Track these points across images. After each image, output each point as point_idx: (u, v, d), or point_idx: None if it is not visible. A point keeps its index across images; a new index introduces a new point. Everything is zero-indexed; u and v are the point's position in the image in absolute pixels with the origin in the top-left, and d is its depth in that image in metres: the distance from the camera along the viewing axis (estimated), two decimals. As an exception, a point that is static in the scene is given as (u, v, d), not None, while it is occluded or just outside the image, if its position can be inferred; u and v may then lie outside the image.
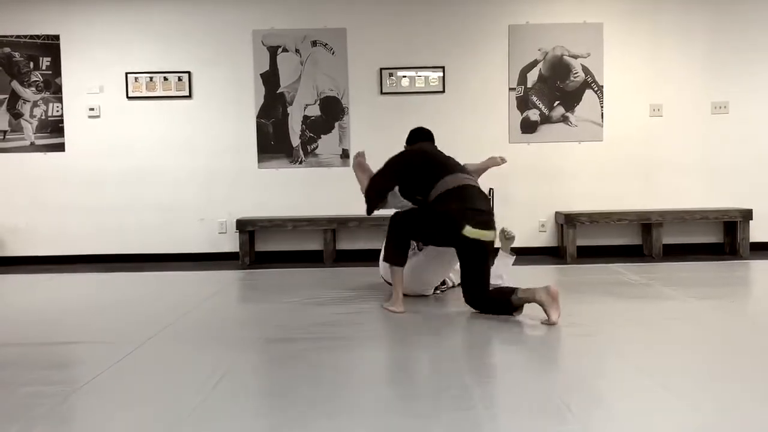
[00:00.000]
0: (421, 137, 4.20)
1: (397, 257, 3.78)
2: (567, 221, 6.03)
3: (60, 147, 6.32)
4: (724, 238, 6.29)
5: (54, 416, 2.26)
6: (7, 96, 6.30)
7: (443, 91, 6.24)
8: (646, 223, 6.13)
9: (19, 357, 2.97)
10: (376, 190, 3.92)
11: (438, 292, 4.22)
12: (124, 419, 2.23)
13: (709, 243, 6.30)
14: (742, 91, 6.24)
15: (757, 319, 3.58)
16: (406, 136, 4.33)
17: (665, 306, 3.82)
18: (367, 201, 3.96)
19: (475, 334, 3.30)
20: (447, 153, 6.37)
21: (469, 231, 3.50)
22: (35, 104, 6.31)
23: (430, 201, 3.70)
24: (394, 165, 3.93)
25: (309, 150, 6.29)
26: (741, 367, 2.66)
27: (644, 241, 6.26)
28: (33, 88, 6.30)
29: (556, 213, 6.30)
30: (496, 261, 4.06)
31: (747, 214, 6.03)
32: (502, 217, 6.27)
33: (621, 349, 2.91)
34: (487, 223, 3.62)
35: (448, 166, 3.85)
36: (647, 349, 2.91)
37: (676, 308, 3.75)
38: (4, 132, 6.32)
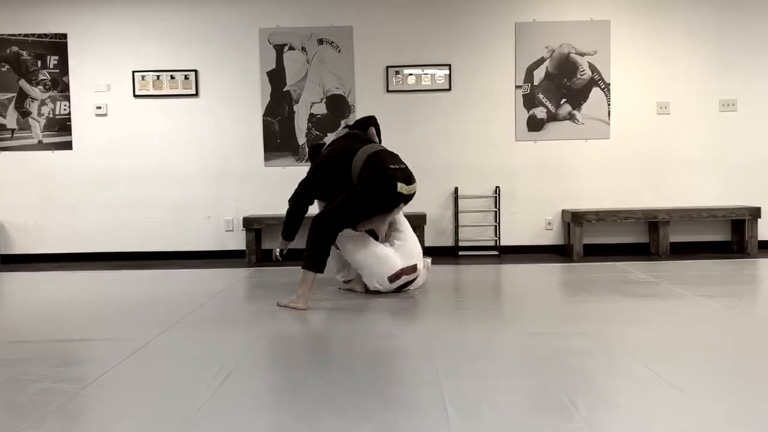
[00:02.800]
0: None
1: (317, 263, 3.73)
2: (574, 219, 6.02)
3: (67, 145, 6.35)
4: (732, 237, 6.27)
5: (64, 413, 2.27)
6: (15, 94, 6.33)
7: (449, 89, 6.24)
8: (653, 221, 6.11)
9: (29, 354, 2.98)
10: (297, 209, 3.95)
11: (409, 288, 4.09)
12: (133, 416, 2.24)
13: (716, 241, 6.29)
14: (750, 89, 6.21)
15: (767, 318, 3.56)
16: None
17: (674, 304, 3.81)
18: (288, 223, 3.97)
19: (479, 331, 3.30)
20: (453, 150, 6.40)
21: (402, 188, 3.74)
22: (43, 103, 6.34)
23: (353, 178, 3.77)
24: (310, 181, 3.97)
25: (315, 148, 6.29)
26: (750, 366, 2.65)
27: (651, 239, 6.24)
28: (41, 87, 6.33)
29: (563, 211, 6.28)
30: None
31: (755, 213, 6.01)
32: (508, 215, 6.29)
33: (629, 348, 2.90)
34: (410, 177, 3.85)
35: (358, 141, 3.94)
36: (656, 348, 2.90)
37: (685, 307, 3.74)
38: (12, 130, 6.35)
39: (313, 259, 3.73)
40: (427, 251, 5.79)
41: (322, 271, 3.76)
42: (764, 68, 6.22)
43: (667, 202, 6.25)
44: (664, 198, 6.27)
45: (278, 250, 4.10)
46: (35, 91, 6.35)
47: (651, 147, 6.27)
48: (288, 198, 3.99)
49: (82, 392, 2.45)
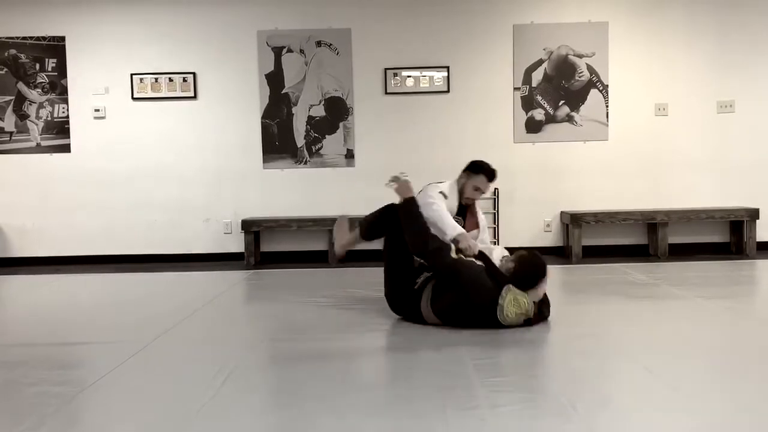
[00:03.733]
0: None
1: (370, 233, 3.62)
2: (572, 221, 6.02)
3: (66, 148, 6.35)
4: (730, 238, 6.27)
5: (61, 416, 2.26)
6: (14, 97, 6.33)
7: (448, 91, 6.24)
8: (652, 223, 6.12)
9: (27, 357, 2.98)
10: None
11: None
12: (132, 418, 2.24)
13: (715, 242, 6.29)
14: (748, 90, 6.22)
15: (765, 319, 3.56)
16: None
17: (673, 306, 3.81)
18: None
19: (478, 333, 3.29)
20: (452, 152, 6.39)
21: None
22: (41, 105, 6.33)
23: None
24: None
25: (314, 150, 6.30)
26: (749, 367, 2.65)
27: (650, 240, 6.24)
28: (39, 90, 6.33)
29: (562, 213, 6.29)
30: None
31: (754, 214, 6.01)
32: (507, 217, 6.29)
33: (628, 349, 2.90)
34: None
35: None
36: (654, 349, 2.90)
37: (684, 308, 3.74)
38: (11, 133, 6.35)
39: (369, 228, 3.63)
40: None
41: (363, 238, 3.69)
42: (762, 69, 6.23)
43: (666, 203, 6.25)
44: (662, 199, 6.27)
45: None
46: (33, 94, 6.35)
47: (649, 148, 6.27)
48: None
49: (80, 395, 2.44)
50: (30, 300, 4.58)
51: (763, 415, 2.17)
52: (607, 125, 6.26)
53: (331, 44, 6.25)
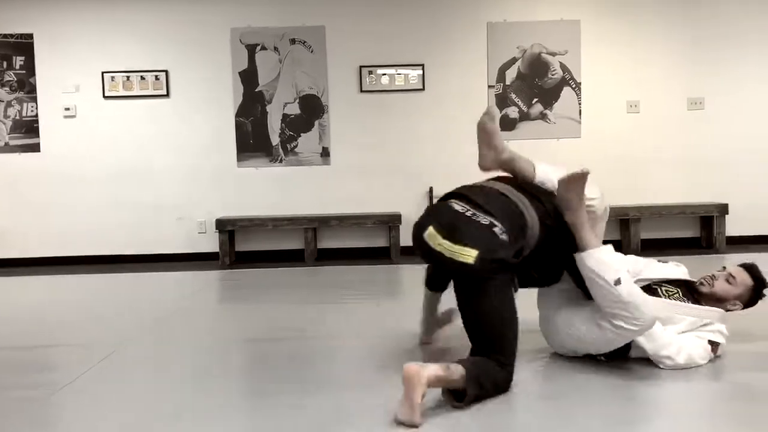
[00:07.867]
0: None
1: None
2: (547, 217, 6.07)
3: (35, 147, 6.23)
4: (700, 233, 6.38)
5: (34, 419, 2.23)
6: (-20, 96, 6.19)
7: (423, 89, 6.25)
8: (624, 219, 6.20)
9: (-3, 361, 2.92)
10: None
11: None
12: (105, 421, 2.21)
13: (686, 237, 6.39)
14: (718, 87, 6.32)
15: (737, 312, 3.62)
16: None
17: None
18: None
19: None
20: (427, 150, 6.36)
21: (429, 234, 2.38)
22: (9, 104, 6.21)
23: None
24: None
25: (289, 148, 6.27)
26: (724, 361, 2.70)
27: (622, 236, 6.32)
28: (6, 88, 6.20)
29: (536, 209, 6.33)
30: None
31: (723, 209, 6.12)
32: (482, 214, 6.31)
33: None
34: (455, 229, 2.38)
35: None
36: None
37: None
38: (-23, 132, 6.21)
39: None
40: (404, 251, 5.81)
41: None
42: (731, 67, 6.34)
43: (638, 199, 6.33)
44: (634, 195, 6.35)
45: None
46: (1, 93, 6.22)
47: (621, 145, 6.35)
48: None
49: (52, 398, 2.40)
50: (-1, 302, 4.49)
51: (745, 404, 2.21)
52: (580, 123, 6.33)
53: (305, 42, 6.22)
